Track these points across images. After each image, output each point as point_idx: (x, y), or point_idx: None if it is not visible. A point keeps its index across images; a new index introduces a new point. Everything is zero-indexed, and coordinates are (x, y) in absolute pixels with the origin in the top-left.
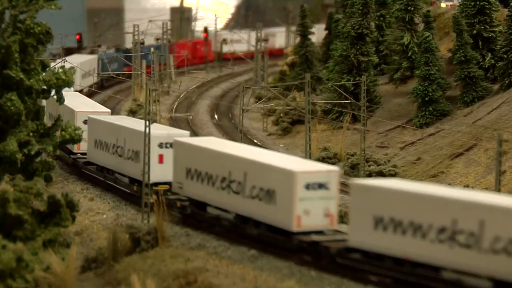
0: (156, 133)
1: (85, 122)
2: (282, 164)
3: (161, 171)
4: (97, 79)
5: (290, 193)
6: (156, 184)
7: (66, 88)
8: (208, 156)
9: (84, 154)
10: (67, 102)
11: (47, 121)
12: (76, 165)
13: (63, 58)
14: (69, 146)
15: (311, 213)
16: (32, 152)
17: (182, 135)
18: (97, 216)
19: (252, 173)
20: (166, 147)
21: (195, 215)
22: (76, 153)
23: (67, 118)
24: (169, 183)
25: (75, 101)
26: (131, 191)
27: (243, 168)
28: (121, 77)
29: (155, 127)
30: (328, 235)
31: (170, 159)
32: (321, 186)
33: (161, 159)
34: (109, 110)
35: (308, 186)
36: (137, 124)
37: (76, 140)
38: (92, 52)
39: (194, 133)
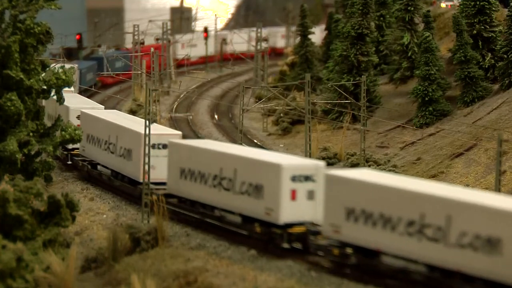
0: (287, 164)
1: (153, 146)
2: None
3: (293, 210)
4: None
5: None
6: (290, 225)
7: (95, 105)
8: (386, 193)
9: (158, 183)
10: (122, 123)
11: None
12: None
13: (63, 59)
14: (133, 176)
15: None
16: (32, 152)
17: (317, 166)
18: (97, 216)
19: (461, 217)
20: (300, 180)
21: (362, 266)
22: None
23: (131, 142)
24: (304, 224)
25: (129, 121)
26: (249, 233)
27: (445, 210)
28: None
29: (283, 157)
30: None
31: (304, 194)
32: None
33: (293, 195)
34: (180, 133)
35: None
36: (247, 151)
37: (76, 140)
38: (92, 52)
39: (194, 133)
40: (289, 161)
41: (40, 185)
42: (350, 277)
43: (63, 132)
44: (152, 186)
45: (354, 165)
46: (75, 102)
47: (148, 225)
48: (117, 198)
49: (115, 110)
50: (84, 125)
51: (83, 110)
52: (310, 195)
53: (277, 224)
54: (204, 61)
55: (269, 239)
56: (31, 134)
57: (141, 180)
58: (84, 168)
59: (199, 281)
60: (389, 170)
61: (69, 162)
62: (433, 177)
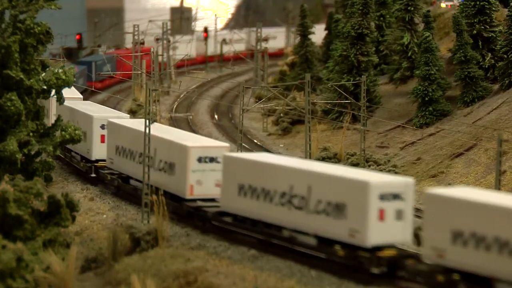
0: (376, 181)
1: (199, 160)
2: None
3: (382, 231)
4: None
5: None
6: (379, 247)
7: (119, 113)
8: (502, 215)
9: (207, 200)
10: (161, 134)
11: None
12: (200, 216)
13: (63, 59)
14: (177, 192)
15: None
16: (32, 152)
17: (406, 183)
18: (97, 216)
19: None
20: (388, 199)
21: None
22: (192, 200)
23: (174, 155)
24: (393, 246)
25: (167, 133)
26: (328, 256)
27: None
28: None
29: (368, 174)
30: None
31: (392, 214)
32: None
33: (382, 215)
34: (228, 145)
35: None
36: (322, 166)
37: (76, 140)
38: (92, 52)
39: (194, 133)
40: (376, 178)
41: (40, 185)
42: (350, 277)
43: (63, 132)
44: (200, 203)
45: (354, 165)
46: (96, 111)
47: (148, 225)
48: (117, 198)
49: (142, 120)
50: (111, 135)
51: (111, 120)
52: (399, 215)
53: (364, 247)
54: (183, 65)
55: (356, 264)
56: (31, 134)
57: (187, 196)
58: (113, 182)
59: (199, 281)
60: (389, 170)
61: (93, 175)
62: (433, 177)
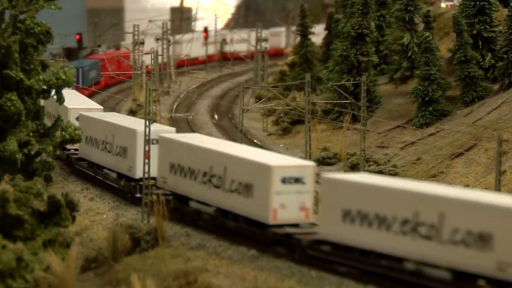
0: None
1: (283, 180)
2: None
3: None
4: None
5: None
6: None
7: (162, 126)
8: None
9: (290, 226)
10: (234, 152)
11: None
12: (290, 244)
13: (63, 59)
14: (257, 217)
15: None
16: (32, 152)
17: None
18: (97, 216)
19: None
20: None
21: None
22: (277, 226)
23: (252, 176)
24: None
25: (237, 149)
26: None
27: None
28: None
29: (485, 195)
30: None
31: None
32: None
33: None
34: (314, 163)
35: None
36: (456, 191)
37: (76, 140)
38: (92, 52)
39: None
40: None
41: (40, 185)
42: (350, 277)
43: (63, 132)
44: (289, 229)
45: (354, 165)
46: (136, 124)
47: (148, 225)
48: (117, 198)
49: (197, 134)
50: (163, 152)
51: (164, 135)
52: None
53: None
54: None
55: None
56: (31, 134)
57: (269, 222)
58: (168, 204)
59: (199, 281)
60: (389, 170)
61: (138, 195)
62: (433, 177)
